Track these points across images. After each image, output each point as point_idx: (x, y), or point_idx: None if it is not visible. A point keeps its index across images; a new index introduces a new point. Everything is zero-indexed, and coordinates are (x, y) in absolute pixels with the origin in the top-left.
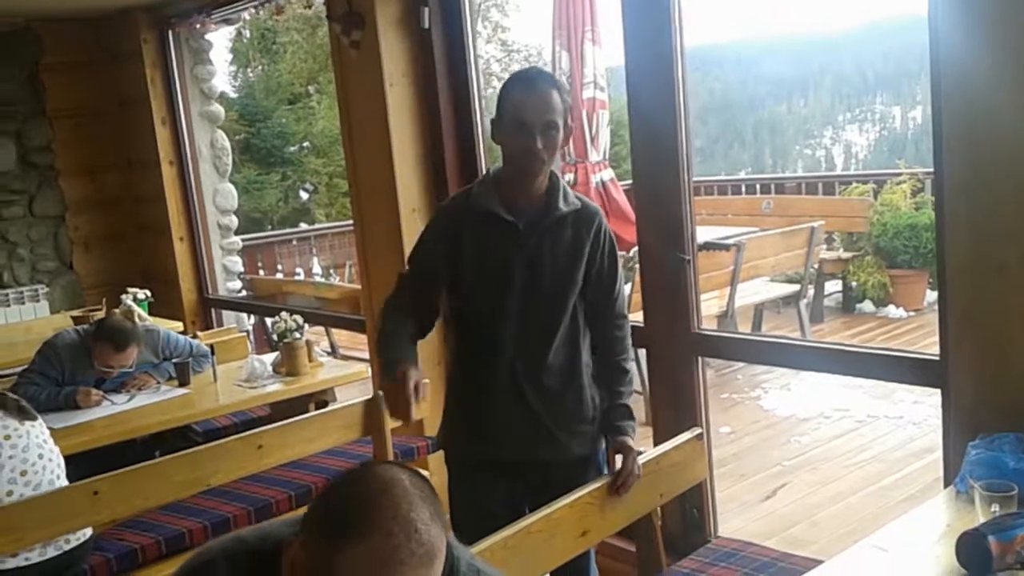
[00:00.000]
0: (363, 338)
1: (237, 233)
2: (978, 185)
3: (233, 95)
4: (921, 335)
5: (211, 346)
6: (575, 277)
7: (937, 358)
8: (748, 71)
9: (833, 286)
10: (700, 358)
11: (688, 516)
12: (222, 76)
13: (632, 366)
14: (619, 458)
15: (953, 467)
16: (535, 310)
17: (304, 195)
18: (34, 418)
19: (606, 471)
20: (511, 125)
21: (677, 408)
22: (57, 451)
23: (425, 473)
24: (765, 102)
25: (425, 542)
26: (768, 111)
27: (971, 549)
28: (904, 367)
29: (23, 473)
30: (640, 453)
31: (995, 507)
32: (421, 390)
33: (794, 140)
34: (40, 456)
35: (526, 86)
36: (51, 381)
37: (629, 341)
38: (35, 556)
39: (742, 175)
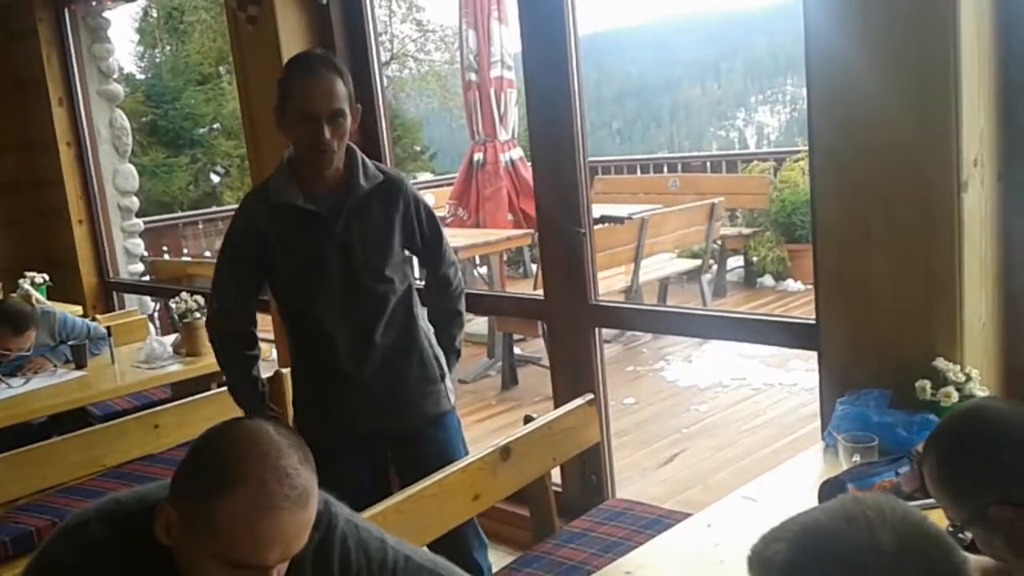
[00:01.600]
0: (267, 318)
1: (144, 216)
2: (844, 155)
3: (140, 76)
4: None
5: (108, 328)
6: (392, 249)
7: (814, 322)
8: (664, 53)
9: (735, 261)
10: (597, 328)
11: (587, 482)
12: (128, 57)
13: (463, 308)
14: None
15: (828, 424)
16: (357, 292)
17: (215, 178)
18: None
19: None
20: (295, 117)
21: (576, 378)
22: None
23: None
24: (680, 84)
25: (298, 485)
26: (683, 93)
27: (831, 496)
28: (784, 331)
29: None
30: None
31: (856, 457)
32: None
33: (708, 122)
34: None
35: (306, 75)
36: None
37: (462, 285)
38: None
39: (657, 155)
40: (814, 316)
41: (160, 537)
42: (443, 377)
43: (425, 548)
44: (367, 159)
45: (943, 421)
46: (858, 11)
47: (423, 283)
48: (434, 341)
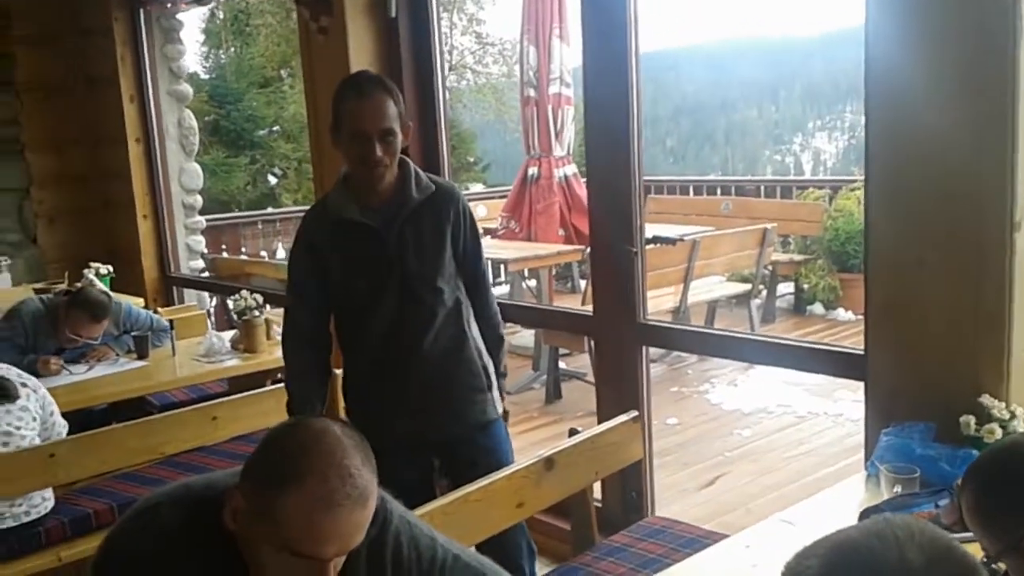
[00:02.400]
0: None
1: (203, 214)
2: (900, 186)
3: (204, 76)
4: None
5: (171, 321)
6: (443, 258)
7: (862, 352)
8: (721, 74)
9: (786, 288)
10: (645, 347)
11: (627, 499)
12: (194, 57)
13: (503, 332)
14: None
15: (871, 454)
16: (410, 302)
17: (272, 179)
18: (11, 399)
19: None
20: (348, 136)
21: (621, 395)
22: (31, 439)
23: None
24: (737, 105)
25: (359, 485)
26: (740, 115)
27: None
28: (832, 360)
29: None
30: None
31: (897, 488)
32: None
33: (764, 145)
34: (5, 444)
35: (358, 95)
36: (15, 347)
37: (498, 314)
38: None
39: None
40: (863, 346)
41: (227, 522)
42: (491, 387)
43: (473, 549)
44: (420, 171)
45: (984, 452)
46: (921, 42)
47: None
48: (484, 352)
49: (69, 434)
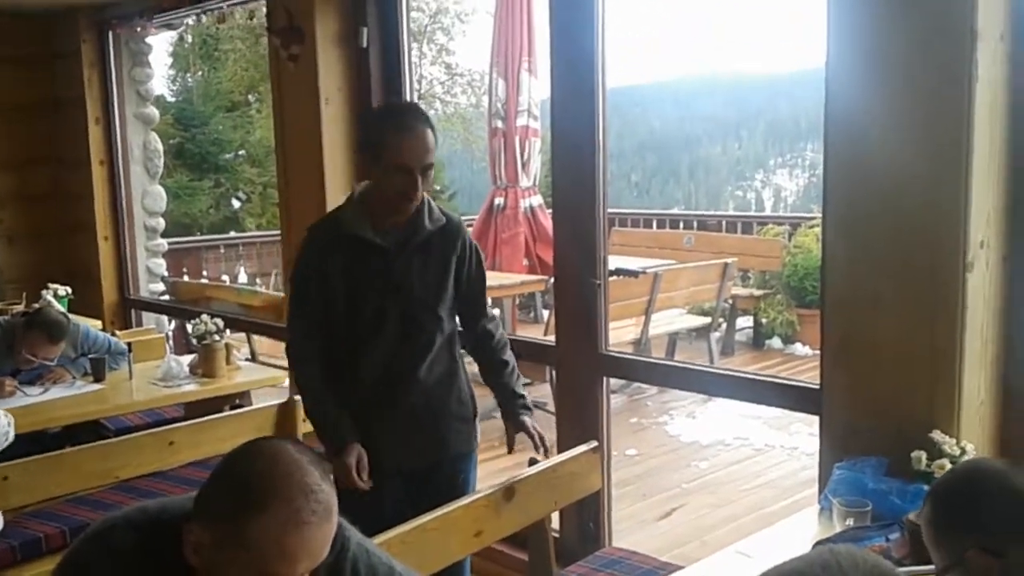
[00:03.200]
0: (283, 346)
1: (164, 236)
2: (856, 224)
3: (171, 99)
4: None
5: (129, 344)
6: (446, 289)
7: (818, 387)
8: (687, 110)
9: (745, 322)
10: (605, 378)
11: (585, 529)
12: (160, 80)
13: (512, 357)
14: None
15: (824, 487)
16: (409, 326)
17: (236, 203)
18: None
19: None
20: (391, 167)
21: (581, 425)
22: None
23: None
24: (701, 141)
25: (322, 500)
26: (704, 151)
27: None
28: (789, 394)
29: None
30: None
31: (850, 521)
32: (363, 465)
33: (727, 180)
34: None
35: (406, 129)
36: None
37: (505, 337)
38: None
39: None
40: (819, 381)
41: (188, 557)
42: (475, 417)
43: None
44: (432, 202)
45: (946, 472)
46: (880, 82)
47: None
48: (470, 383)
49: (22, 456)
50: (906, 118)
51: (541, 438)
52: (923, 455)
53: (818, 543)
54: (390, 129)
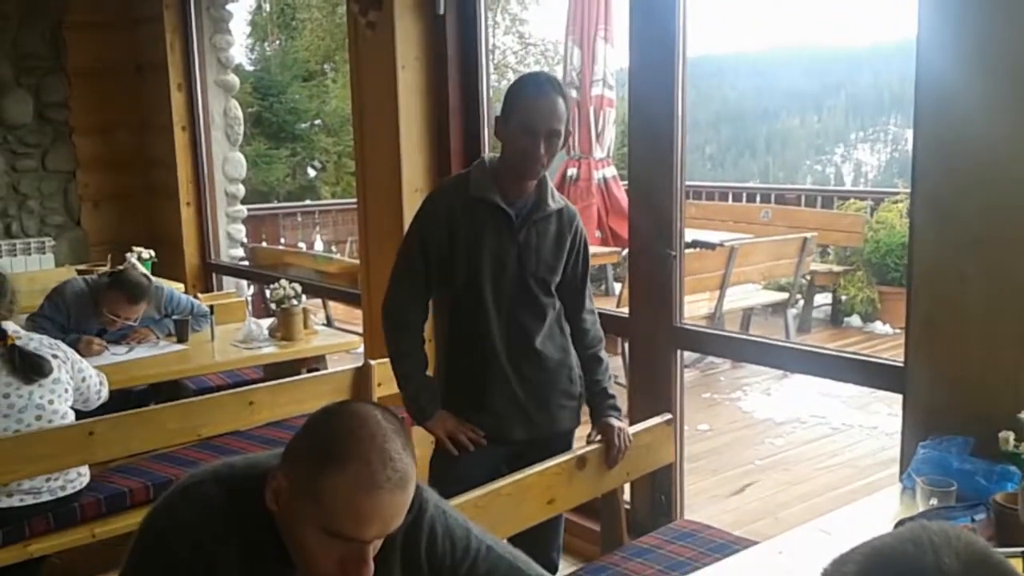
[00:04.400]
0: (358, 312)
1: (243, 203)
2: (944, 198)
3: (249, 68)
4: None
5: (211, 307)
6: (558, 267)
7: (902, 364)
8: (764, 81)
9: (823, 298)
10: (679, 351)
11: (656, 502)
12: (239, 48)
13: (606, 356)
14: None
15: (907, 467)
16: (525, 296)
17: (312, 172)
18: (43, 375)
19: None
20: (518, 128)
21: (654, 397)
22: (63, 411)
23: None
24: (779, 114)
25: (399, 469)
26: (781, 123)
27: None
28: (870, 371)
29: (16, 432)
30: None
31: (934, 500)
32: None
33: (805, 155)
34: (38, 418)
35: (536, 92)
36: (57, 326)
37: (600, 333)
38: (30, 499)
39: (751, 184)
40: (902, 358)
41: (268, 502)
42: (581, 396)
43: (505, 541)
44: (553, 187)
45: None
46: (973, 56)
47: None
48: (577, 363)
49: (108, 412)
50: (1000, 93)
51: (619, 450)
52: (1011, 435)
53: (900, 522)
54: (523, 93)
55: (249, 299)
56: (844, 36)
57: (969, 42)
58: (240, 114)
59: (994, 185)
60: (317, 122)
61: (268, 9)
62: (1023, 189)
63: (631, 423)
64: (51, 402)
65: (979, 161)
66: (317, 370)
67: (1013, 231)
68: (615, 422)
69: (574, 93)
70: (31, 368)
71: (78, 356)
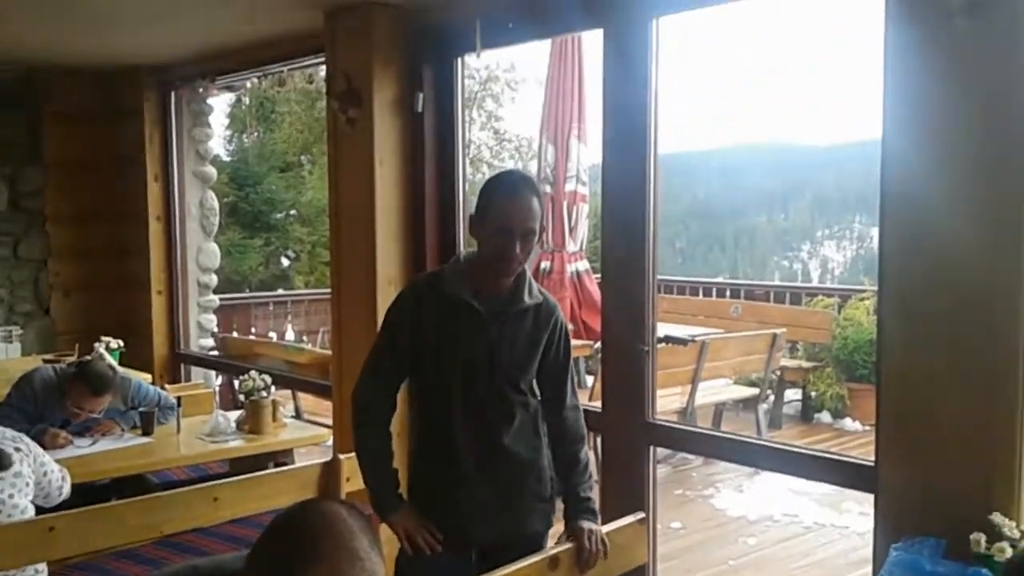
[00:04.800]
0: (328, 404)
1: (215, 292)
2: (911, 296)
3: (226, 159)
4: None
5: (178, 398)
6: (532, 365)
7: (873, 463)
8: (732, 179)
9: (793, 394)
10: (652, 447)
11: None
12: (217, 139)
13: (586, 455)
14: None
15: (879, 568)
16: (495, 394)
17: (286, 261)
18: (4, 467)
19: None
20: (493, 228)
21: (626, 494)
22: (23, 506)
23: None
24: (747, 211)
25: (368, 569)
26: (749, 220)
27: None
28: (842, 470)
29: None
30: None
31: None
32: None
33: (773, 250)
34: None
35: (511, 193)
36: (24, 415)
37: (583, 431)
38: None
39: (719, 279)
40: (873, 457)
41: None
42: (552, 498)
43: None
44: (533, 280)
45: (1020, 549)
46: (937, 160)
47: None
48: (550, 463)
49: (69, 507)
50: (964, 194)
51: (592, 555)
52: (982, 537)
53: None
54: (497, 192)
55: (217, 390)
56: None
57: (934, 142)
58: (216, 205)
59: (960, 284)
60: (292, 212)
61: (248, 102)
62: (989, 288)
63: (603, 519)
64: (11, 496)
65: (945, 260)
66: (285, 464)
67: (980, 329)
68: (587, 524)
69: (548, 188)
70: None
71: (40, 450)
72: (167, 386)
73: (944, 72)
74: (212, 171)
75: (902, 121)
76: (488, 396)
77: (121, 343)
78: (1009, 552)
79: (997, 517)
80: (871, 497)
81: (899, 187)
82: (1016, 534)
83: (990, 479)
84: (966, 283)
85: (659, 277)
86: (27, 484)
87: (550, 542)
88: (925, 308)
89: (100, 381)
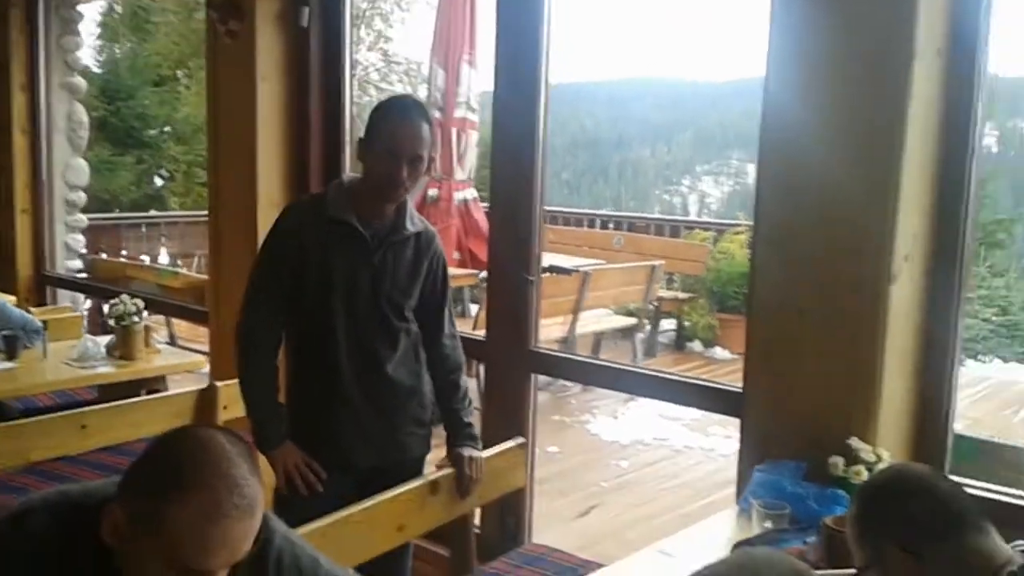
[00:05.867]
0: (204, 330)
1: (84, 212)
2: (786, 233)
3: (96, 70)
4: (740, 376)
5: (44, 322)
6: (412, 291)
7: (740, 390)
8: (619, 111)
9: (668, 324)
10: (534, 375)
11: (505, 526)
12: (87, 50)
13: (465, 383)
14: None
15: (744, 489)
16: (377, 320)
17: (159, 181)
18: None
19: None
20: (381, 151)
21: (507, 421)
22: None
23: None
24: (632, 144)
25: (247, 495)
26: (634, 152)
27: None
28: (712, 396)
29: None
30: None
31: (768, 523)
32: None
33: (654, 184)
34: None
35: (401, 116)
36: None
37: (461, 359)
38: None
39: (604, 211)
40: (741, 384)
41: (105, 536)
42: (431, 423)
43: (353, 570)
44: (413, 208)
45: (877, 472)
46: (817, 99)
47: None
48: (431, 391)
49: None
50: (841, 133)
51: (472, 481)
52: (840, 461)
53: (737, 544)
54: (386, 115)
55: (86, 314)
56: (695, 72)
57: (815, 84)
58: (85, 119)
59: (834, 223)
60: (167, 129)
61: (120, 11)
62: (861, 227)
63: (485, 446)
64: None
65: (820, 199)
66: (158, 391)
67: (850, 266)
68: (468, 452)
69: (437, 114)
70: None
71: None
72: (32, 309)
73: (828, 14)
74: (81, 82)
75: (785, 59)
76: (371, 322)
77: None
78: (865, 475)
79: (855, 442)
80: (737, 422)
81: (778, 127)
82: (872, 457)
83: (850, 407)
84: (839, 219)
85: (545, 208)
86: None
87: (428, 468)
88: (797, 243)
89: None
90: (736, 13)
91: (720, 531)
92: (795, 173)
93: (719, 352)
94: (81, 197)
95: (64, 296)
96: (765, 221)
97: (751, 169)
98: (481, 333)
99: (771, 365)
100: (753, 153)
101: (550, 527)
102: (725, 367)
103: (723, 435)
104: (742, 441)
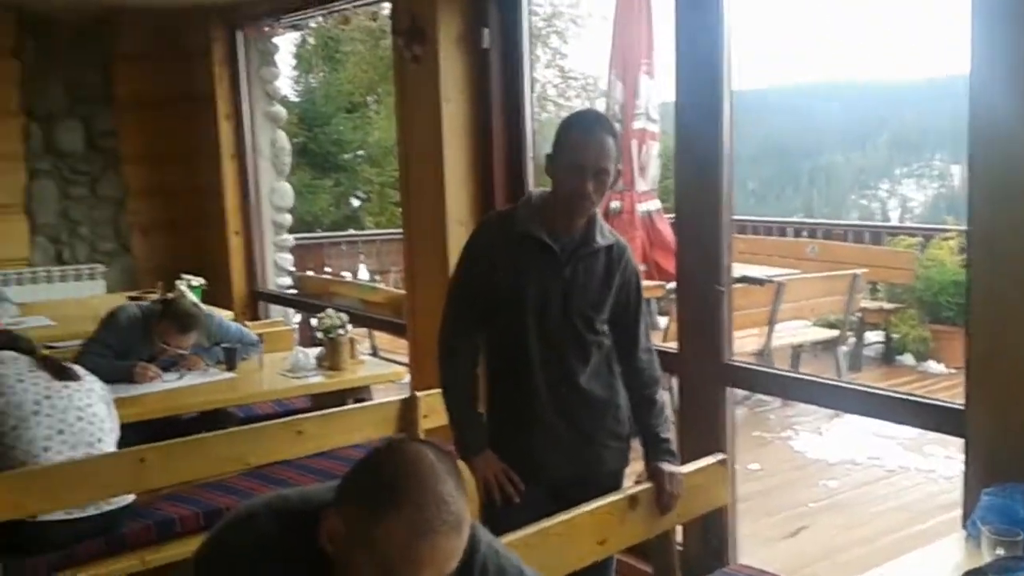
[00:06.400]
0: (403, 342)
1: (289, 232)
2: (1004, 238)
3: (294, 99)
4: (959, 393)
5: (260, 335)
6: (604, 305)
7: (962, 407)
8: (807, 117)
9: (874, 336)
10: (729, 388)
11: (709, 544)
12: (284, 80)
13: (661, 397)
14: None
15: (971, 513)
16: (569, 333)
17: (356, 202)
18: (75, 379)
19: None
20: (566, 165)
21: (704, 436)
22: (104, 416)
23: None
24: (822, 149)
25: (453, 511)
26: (825, 159)
27: None
28: (928, 413)
29: (60, 432)
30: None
31: (1000, 550)
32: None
33: (849, 190)
34: (79, 418)
35: (585, 131)
36: (111, 351)
37: (657, 373)
38: (76, 512)
39: (795, 219)
40: (962, 400)
41: (323, 541)
42: (629, 437)
43: None
44: (604, 222)
45: None
46: None
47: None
48: (627, 403)
49: (158, 439)
50: None
51: (672, 497)
52: None
53: (967, 573)
54: (571, 130)
55: (296, 328)
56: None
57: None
58: (287, 145)
59: None
60: (360, 152)
61: (312, 42)
62: None
63: (681, 461)
64: (89, 405)
65: None
66: (363, 400)
67: None
68: (667, 467)
69: (617, 126)
70: (63, 373)
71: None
72: (248, 323)
73: None
74: (281, 111)
75: (992, 55)
76: (563, 336)
77: (203, 281)
78: None
79: None
80: (957, 441)
81: (988, 125)
82: None
83: None
84: None
85: (736, 217)
86: (100, 399)
87: (627, 481)
88: (1016, 249)
89: (187, 319)
90: (925, 8)
91: (947, 558)
92: (1009, 172)
93: (933, 366)
94: (287, 218)
95: (275, 311)
96: (980, 225)
97: (956, 171)
98: (673, 345)
99: (995, 378)
100: (958, 154)
101: (756, 547)
102: (941, 382)
103: (943, 455)
104: (967, 462)
